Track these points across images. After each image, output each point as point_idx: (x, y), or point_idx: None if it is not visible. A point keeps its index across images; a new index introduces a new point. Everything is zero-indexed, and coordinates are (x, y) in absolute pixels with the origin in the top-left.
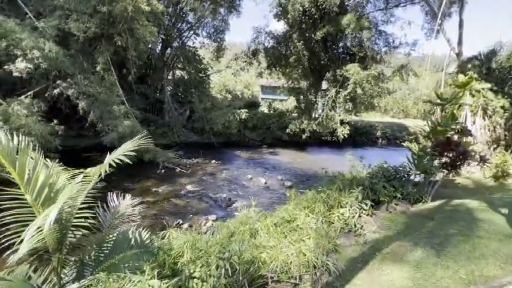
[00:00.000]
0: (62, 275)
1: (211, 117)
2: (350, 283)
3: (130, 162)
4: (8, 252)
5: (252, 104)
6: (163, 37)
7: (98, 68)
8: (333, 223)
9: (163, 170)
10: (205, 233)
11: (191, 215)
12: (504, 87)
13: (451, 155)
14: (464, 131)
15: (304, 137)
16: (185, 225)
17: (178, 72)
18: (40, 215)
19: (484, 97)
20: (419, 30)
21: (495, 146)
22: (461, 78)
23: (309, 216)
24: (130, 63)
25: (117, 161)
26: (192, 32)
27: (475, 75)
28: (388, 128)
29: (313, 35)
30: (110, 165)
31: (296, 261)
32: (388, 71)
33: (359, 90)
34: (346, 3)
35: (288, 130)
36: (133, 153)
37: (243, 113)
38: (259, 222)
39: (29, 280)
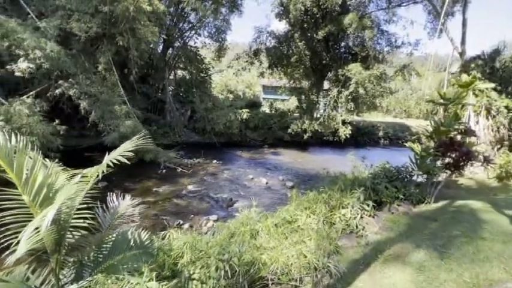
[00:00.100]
0: (61, 276)
1: (212, 117)
2: (351, 286)
3: (129, 163)
4: (6, 252)
5: (253, 104)
6: (165, 37)
7: (100, 68)
8: (334, 224)
9: (164, 170)
10: (206, 233)
11: (192, 215)
12: (508, 86)
13: (454, 155)
14: (468, 131)
15: (305, 137)
16: (186, 226)
17: (179, 72)
18: (37, 216)
19: (488, 97)
20: (422, 29)
21: (499, 146)
22: (465, 77)
23: (310, 217)
24: (132, 63)
25: (115, 161)
26: (193, 32)
27: (479, 75)
28: (390, 128)
29: (314, 35)
30: (110, 165)
31: (297, 263)
32: (390, 71)
33: (361, 90)
34: (348, 3)
35: (289, 130)
36: (131, 154)
37: (245, 113)
38: (259, 223)
39: (27, 281)
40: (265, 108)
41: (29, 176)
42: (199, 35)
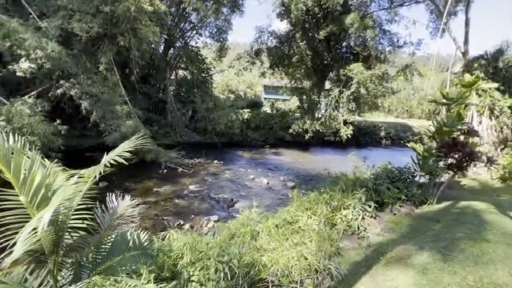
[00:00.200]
0: (59, 278)
1: (213, 117)
2: None
3: (126, 163)
4: (4, 254)
5: (254, 104)
6: (166, 37)
7: (101, 68)
8: (335, 225)
9: (165, 170)
10: (207, 233)
11: (193, 216)
12: (511, 86)
13: (457, 156)
14: (471, 132)
15: (307, 137)
16: (186, 226)
17: (181, 72)
18: (34, 217)
19: (491, 97)
20: (424, 29)
21: (502, 146)
22: (468, 77)
23: (311, 217)
24: (133, 63)
25: (112, 161)
26: (194, 32)
27: (482, 75)
28: (392, 128)
29: (316, 35)
30: (110, 165)
31: (297, 265)
32: (392, 71)
33: (363, 90)
34: (350, 3)
35: (290, 130)
36: (128, 154)
37: (246, 113)
38: (260, 224)
39: (25, 283)
40: (266, 108)
41: (27, 176)
42: (201, 35)
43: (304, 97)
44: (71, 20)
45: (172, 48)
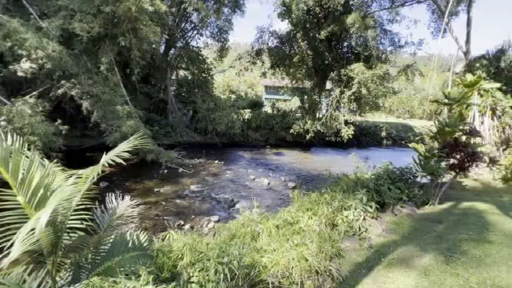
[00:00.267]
0: (58, 278)
1: (214, 118)
2: None
3: (125, 164)
4: (2, 254)
5: (255, 104)
6: (167, 37)
7: (102, 68)
8: (336, 226)
9: (166, 170)
10: (207, 234)
11: (193, 216)
12: None
13: (459, 156)
14: (473, 132)
15: (308, 137)
16: (187, 226)
17: (181, 73)
18: (32, 218)
19: (493, 97)
20: (426, 29)
21: (504, 147)
22: (470, 77)
23: (312, 218)
24: (134, 63)
25: (110, 161)
26: (195, 32)
27: (484, 75)
28: (393, 129)
29: (317, 35)
30: (111, 165)
31: (298, 266)
32: (393, 71)
33: (364, 90)
34: (351, 2)
35: (291, 130)
36: (127, 154)
37: (247, 113)
38: (261, 224)
39: (23, 284)
40: (267, 109)
41: (25, 176)
42: (202, 35)
43: (305, 97)
44: (72, 20)
45: (173, 49)
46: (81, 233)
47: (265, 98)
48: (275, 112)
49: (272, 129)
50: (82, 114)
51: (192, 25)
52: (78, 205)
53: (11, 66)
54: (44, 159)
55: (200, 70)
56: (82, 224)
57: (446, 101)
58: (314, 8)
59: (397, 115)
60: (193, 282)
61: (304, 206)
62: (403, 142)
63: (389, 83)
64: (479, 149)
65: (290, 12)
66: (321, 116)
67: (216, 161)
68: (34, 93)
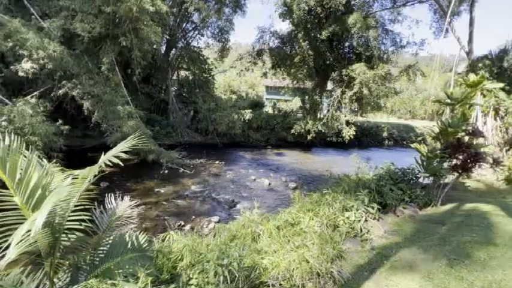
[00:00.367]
0: (56, 280)
1: (215, 118)
2: None
3: (122, 164)
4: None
5: (256, 105)
6: (168, 37)
7: (103, 68)
8: (338, 227)
9: (166, 171)
10: (207, 235)
11: (193, 216)
12: None
13: (461, 156)
14: (476, 132)
15: (309, 137)
16: (187, 227)
17: (182, 73)
18: (28, 219)
19: (496, 97)
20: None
21: (507, 147)
22: (473, 77)
23: (313, 219)
24: (135, 63)
25: (108, 162)
26: (196, 32)
27: (487, 75)
28: (394, 129)
29: (318, 35)
30: (111, 166)
31: (299, 269)
32: (395, 71)
33: (365, 91)
34: (352, 2)
35: (292, 131)
36: (125, 155)
37: (247, 114)
38: (261, 226)
39: (20, 285)
40: (268, 109)
41: (23, 176)
42: (203, 35)
43: (306, 97)
44: (73, 21)
45: (174, 49)
46: (80, 234)
47: (266, 98)
48: (276, 112)
49: (273, 130)
50: (83, 114)
51: (193, 25)
52: (76, 206)
53: (12, 67)
54: (44, 159)
55: (201, 70)
56: (81, 225)
57: (448, 101)
58: (315, 8)
59: (398, 115)
60: (192, 284)
61: (305, 207)
62: (404, 142)
63: (391, 83)
64: (482, 150)
65: (291, 12)
66: (322, 116)
67: (217, 162)
68: (35, 93)
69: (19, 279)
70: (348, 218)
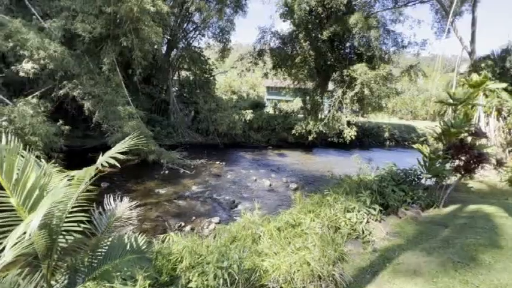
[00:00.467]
0: (53, 282)
1: (216, 118)
2: None
3: (119, 166)
4: None
5: (257, 105)
6: (169, 38)
7: (104, 69)
8: (339, 228)
9: (167, 171)
10: (208, 236)
11: (194, 217)
12: None
13: (464, 157)
14: (478, 133)
15: (310, 138)
16: (187, 228)
17: (183, 73)
18: (24, 221)
19: (499, 97)
20: (429, 29)
21: (510, 148)
22: (475, 77)
23: (314, 220)
24: (136, 63)
25: (105, 163)
26: (197, 33)
27: (489, 75)
28: (396, 130)
29: (319, 35)
30: (111, 166)
31: (300, 271)
32: (396, 71)
33: (366, 91)
34: (354, 3)
35: (293, 131)
36: (122, 156)
37: (248, 114)
38: (262, 227)
39: (17, 287)
40: (269, 109)
41: (20, 177)
42: (203, 35)
43: (307, 98)
44: (74, 21)
45: (175, 49)
46: (78, 236)
47: (267, 99)
48: (277, 113)
49: (274, 130)
50: (84, 114)
51: (194, 26)
52: (74, 207)
53: (13, 67)
54: (44, 159)
55: (202, 71)
56: (79, 226)
57: (451, 101)
58: (316, 8)
59: (400, 116)
60: (191, 287)
61: (306, 208)
62: (406, 143)
63: (393, 83)
64: (485, 151)
65: (292, 13)
66: (323, 116)
67: (218, 162)
68: (36, 93)
69: (16, 281)
70: (349, 219)
